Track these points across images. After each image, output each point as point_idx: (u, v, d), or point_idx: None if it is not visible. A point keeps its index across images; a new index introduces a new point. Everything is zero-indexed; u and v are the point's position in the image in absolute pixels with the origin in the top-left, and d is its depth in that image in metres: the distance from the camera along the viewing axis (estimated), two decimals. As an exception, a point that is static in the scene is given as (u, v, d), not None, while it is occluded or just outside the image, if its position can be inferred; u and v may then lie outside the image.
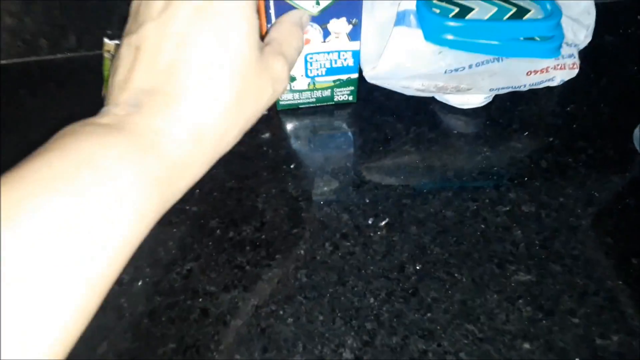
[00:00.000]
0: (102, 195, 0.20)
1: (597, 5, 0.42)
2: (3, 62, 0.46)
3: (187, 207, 0.35)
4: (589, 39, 0.42)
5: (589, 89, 0.42)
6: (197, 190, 0.36)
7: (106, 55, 0.43)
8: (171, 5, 0.24)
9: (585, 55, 0.41)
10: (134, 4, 0.27)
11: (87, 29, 0.45)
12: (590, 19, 0.42)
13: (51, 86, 0.45)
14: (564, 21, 0.37)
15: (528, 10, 0.36)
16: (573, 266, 0.32)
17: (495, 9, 0.36)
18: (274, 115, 0.41)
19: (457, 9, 0.35)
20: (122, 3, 0.45)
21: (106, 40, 0.44)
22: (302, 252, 0.32)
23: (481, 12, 0.35)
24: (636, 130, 0.38)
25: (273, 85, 0.26)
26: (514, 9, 0.36)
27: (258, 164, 0.38)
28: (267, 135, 0.41)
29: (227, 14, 0.24)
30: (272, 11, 0.34)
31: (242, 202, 0.35)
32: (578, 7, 0.42)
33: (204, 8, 0.23)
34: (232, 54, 0.24)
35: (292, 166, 0.38)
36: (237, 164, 0.38)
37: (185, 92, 0.23)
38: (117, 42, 0.43)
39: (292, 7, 0.34)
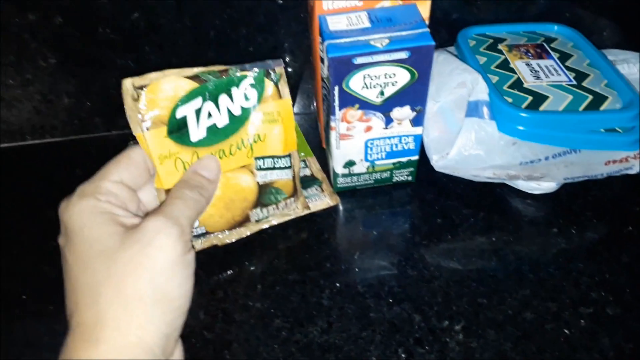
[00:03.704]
0: None
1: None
2: (58, 139, 0.46)
3: (250, 303, 0.34)
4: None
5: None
6: (259, 286, 0.35)
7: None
8: None
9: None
10: None
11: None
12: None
13: (105, 161, 0.44)
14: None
15: (605, 98, 0.34)
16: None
17: (570, 97, 0.34)
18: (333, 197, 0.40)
19: (530, 98, 0.34)
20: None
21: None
22: (374, 359, 0.31)
23: (556, 101, 0.34)
24: None
25: None
26: (590, 97, 0.34)
27: (320, 253, 0.37)
28: (326, 219, 0.39)
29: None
30: (336, 103, 0.33)
31: (307, 297, 0.34)
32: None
33: None
34: None
35: (355, 256, 0.36)
36: (298, 254, 0.37)
37: None
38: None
39: (356, 98, 0.33)
